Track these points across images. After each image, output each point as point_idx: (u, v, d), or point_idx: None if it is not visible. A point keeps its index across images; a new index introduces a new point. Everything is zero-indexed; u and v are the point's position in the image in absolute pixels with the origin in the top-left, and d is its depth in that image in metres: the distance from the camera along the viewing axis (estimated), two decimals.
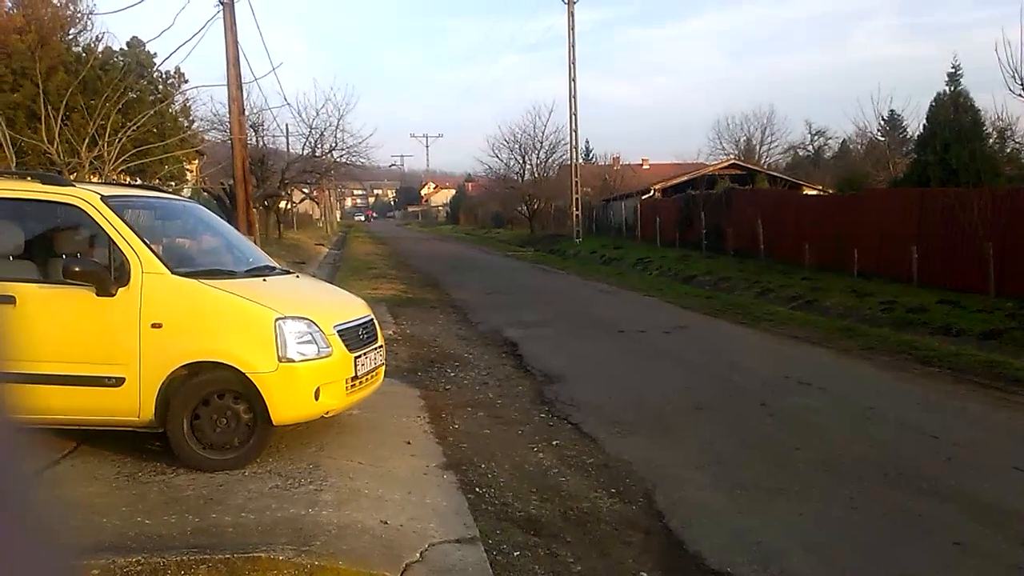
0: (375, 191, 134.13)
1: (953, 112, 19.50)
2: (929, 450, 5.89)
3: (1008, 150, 23.49)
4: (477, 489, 5.10)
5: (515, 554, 4.16)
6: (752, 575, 3.90)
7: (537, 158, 43.98)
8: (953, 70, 20.42)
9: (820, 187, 30.40)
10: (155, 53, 19.23)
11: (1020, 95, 13.60)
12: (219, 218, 7.48)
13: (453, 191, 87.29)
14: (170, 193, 8.33)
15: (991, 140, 21.57)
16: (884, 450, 5.89)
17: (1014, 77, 13.56)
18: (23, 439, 0.78)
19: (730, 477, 5.34)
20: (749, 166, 36.31)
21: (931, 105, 20.35)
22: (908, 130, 32.73)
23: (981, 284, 13.00)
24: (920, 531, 4.43)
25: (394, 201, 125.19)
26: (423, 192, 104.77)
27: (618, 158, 54.13)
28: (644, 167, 53.64)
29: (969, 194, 14.51)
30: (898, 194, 18.40)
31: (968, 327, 11.32)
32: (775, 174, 34.46)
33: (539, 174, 43.89)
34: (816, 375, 8.49)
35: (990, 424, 6.72)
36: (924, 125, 20.88)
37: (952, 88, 20.13)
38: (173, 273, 4.98)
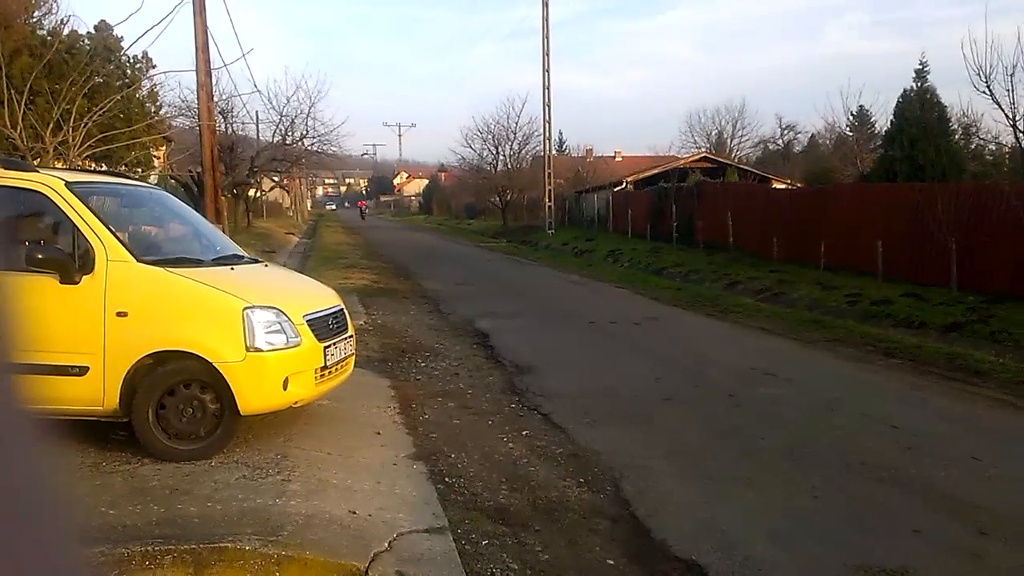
0: (347, 180, 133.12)
1: (920, 109, 19.84)
2: (891, 440, 6.01)
3: (973, 147, 23.92)
4: (447, 479, 5.11)
5: (483, 543, 4.18)
6: (717, 563, 3.96)
7: (510, 149, 43.92)
8: (920, 67, 20.79)
9: (789, 181, 30.74)
10: (122, 37, 18.91)
11: (985, 92, 13.86)
12: (186, 206, 7.39)
13: (426, 181, 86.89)
14: (136, 180, 8.19)
15: (956, 137, 21.95)
16: (847, 440, 6.00)
17: (979, 75, 13.80)
18: (36, 429, 0.78)
19: (697, 466, 5.41)
20: (720, 159, 36.58)
21: (898, 101, 20.70)
22: (876, 126, 33.17)
23: (944, 278, 13.25)
24: (881, 519, 4.53)
25: (366, 191, 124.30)
26: (396, 182, 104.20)
27: (591, 150, 54.31)
28: (617, 159, 53.86)
29: (934, 190, 14.77)
30: (865, 189, 18.70)
31: (930, 320, 11.55)
32: (745, 167, 34.74)
33: (512, 165, 43.82)
34: (782, 366, 8.62)
35: (950, 415, 6.87)
36: (891, 121, 21.23)
37: (919, 85, 20.48)
38: (139, 261, 4.92)
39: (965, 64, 13.85)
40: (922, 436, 6.12)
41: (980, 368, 8.65)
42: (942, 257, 13.27)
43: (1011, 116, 13.55)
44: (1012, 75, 13.30)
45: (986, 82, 13.71)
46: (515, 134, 43.40)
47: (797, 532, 4.35)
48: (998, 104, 13.69)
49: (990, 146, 23.07)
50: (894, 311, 12.39)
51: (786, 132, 48.55)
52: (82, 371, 4.72)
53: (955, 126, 21.66)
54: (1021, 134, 13.71)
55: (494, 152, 44.27)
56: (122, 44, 18.52)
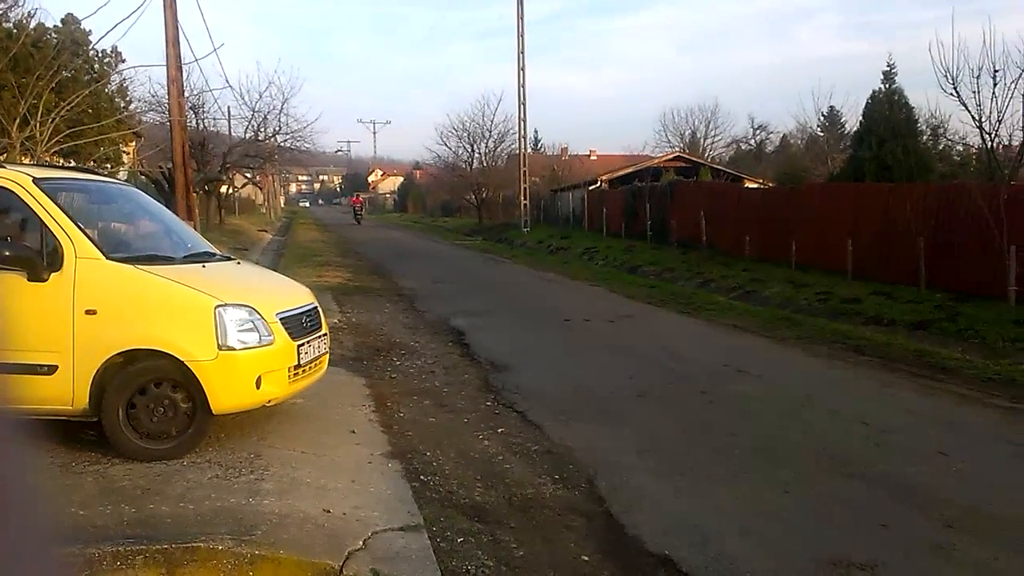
0: (321, 177, 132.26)
1: (888, 110, 20.14)
2: (860, 436, 6.11)
3: (940, 147, 24.35)
4: (422, 477, 5.11)
5: (459, 540, 4.19)
6: (690, 558, 4.00)
7: (486, 147, 43.94)
8: (888, 68, 21.08)
9: (761, 180, 31.06)
10: (91, 31, 18.65)
11: (952, 94, 14.13)
12: (157, 202, 7.30)
13: (401, 178, 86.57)
14: (105, 176, 8.07)
15: (924, 137, 22.34)
16: (817, 436, 6.09)
17: (946, 77, 14.08)
18: (18, 429, 0.77)
19: (670, 463, 5.46)
20: (693, 159, 36.87)
21: (867, 102, 20.99)
22: (846, 126, 33.65)
23: (912, 277, 13.47)
24: (850, 514, 4.60)
25: (340, 188, 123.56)
26: (370, 179, 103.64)
27: (566, 148, 54.41)
28: (592, 158, 54.04)
29: (902, 190, 15.01)
30: (835, 189, 18.93)
31: (899, 318, 11.74)
32: (718, 167, 35.06)
33: (488, 163, 43.83)
34: (754, 363, 8.72)
35: (918, 411, 6.99)
36: (861, 122, 21.52)
37: (887, 86, 20.78)
38: (108, 258, 4.85)
39: (933, 66, 14.14)
40: (891, 432, 6.22)
41: (947, 365, 8.81)
42: (910, 256, 13.48)
43: (977, 117, 13.85)
44: (978, 77, 13.60)
45: (953, 84, 14.00)
46: (490, 132, 43.48)
47: (768, 527, 4.40)
48: (965, 106, 13.98)
49: (957, 147, 23.54)
50: (864, 309, 12.58)
51: (758, 132, 49.18)
52: (51, 370, 4.65)
53: (923, 127, 22.06)
54: (987, 135, 14.00)
55: (469, 150, 44.29)
56: (90, 38, 18.31)
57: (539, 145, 56.27)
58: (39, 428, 4.87)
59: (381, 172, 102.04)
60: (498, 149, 44.30)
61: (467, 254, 26.10)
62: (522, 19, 33.08)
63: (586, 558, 4.05)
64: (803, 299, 13.95)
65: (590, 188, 33.54)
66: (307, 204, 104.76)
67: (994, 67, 13.48)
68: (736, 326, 11.52)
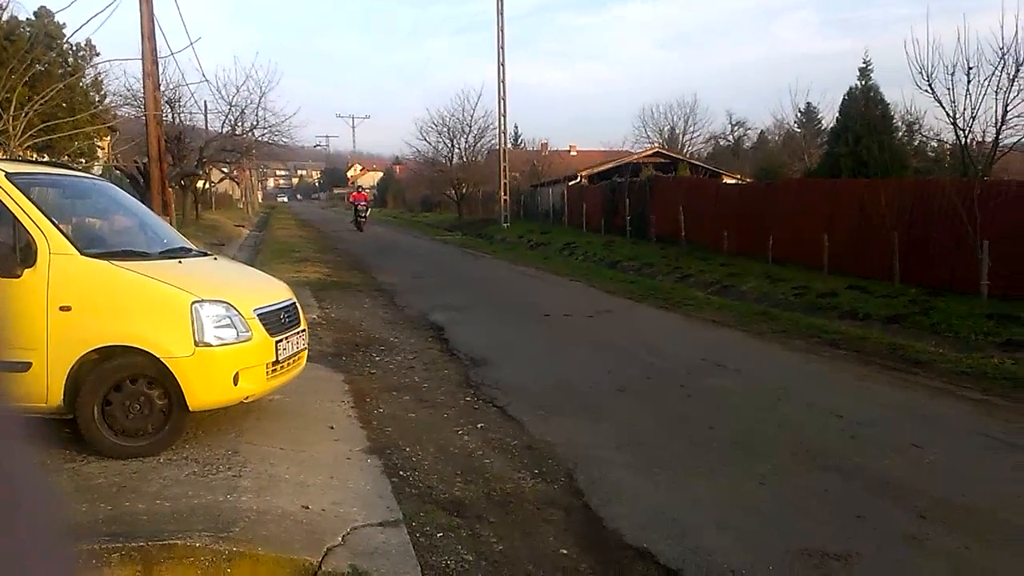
0: (299, 172, 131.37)
1: (864, 106, 20.35)
2: (835, 429, 6.18)
3: (915, 143, 24.63)
4: (401, 472, 5.10)
5: (438, 535, 4.19)
6: (667, 550, 4.03)
7: (466, 142, 43.81)
8: (864, 65, 21.30)
9: (739, 176, 31.28)
10: (65, 24, 18.38)
11: (927, 91, 14.30)
12: (132, 198, 7.22)
13: (380, 173, 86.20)
14: (80, 171, 7.97)
15: (899, 133, 22.59)
16: (793, 429, 6.16)
17: (921, 74, 14.25)
18: (21, 426, 0.77)
19: (649, 456, 5.50)
20: (672, 154, 37.06)
21: (844, 99, 21.23)
22: (823, 122, 33.98)
23: (887, 272, 13.64)
24: (825, 506, 4.66)
25: (319, 182, 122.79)
26: (350, 174, 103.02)
27: (546, 144, 54.50)
28: (572, 153, 54.11)
29: (877, 185, 15.18)
30: (811, 184, 19.11)
31: (874, 312, 11.88)
32: (697, 163, 35.27)
33: (468, 158, 43.72)
34: (732, 357, 8.79)
35: (892, 403, 7.08)
36: (837, 118, 21.77)
37: (864, 83, 21.01)
38: (82, 254, 4.80)
39: (908, 63, 14.30)
40: (865, 424, 6.30)
41: (921, 358, 8.93)
42: (885, 251, 13.65)
43: (951, 114, 14.04)
44: (952, 74, 13.78)
45: (928, 81, 14.18)
46: (470, 127, 43.35)
47: (745, 519, 4.45)
48: (939, 102, 14.17)
49: (932, 143, 23.79)
50: (839, 303, 12.71)
51: (736, 128, 49.54)
52: (25, 367, 4.59)
53: (899, 123, 22.32)
54: (961, 131, 14.20)
55: (449, 145, 44.17)
56: (64, 31, 18.01)
57: (519, 140, 56.37)
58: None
59: (360, 167, 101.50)
60: (478, 144, 44.24)
61: (447, 249, 26.05)
62: (501, 14, 33.05)
63: (565, 552, 4.07)
64: (780, 294, 14.07)
65: (570, 184, 33.60)
66: (285, 199, 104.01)
67: (968, 64, 13.68)
68: (714, 321, 11.60)
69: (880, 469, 5.25)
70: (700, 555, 3.99)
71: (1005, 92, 13.39)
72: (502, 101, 33.71)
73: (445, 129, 43.80)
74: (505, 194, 34.12)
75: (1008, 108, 13.44)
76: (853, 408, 6.78)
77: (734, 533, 4.26)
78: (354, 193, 37.91)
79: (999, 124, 13.67)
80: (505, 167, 34.05)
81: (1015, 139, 14.11)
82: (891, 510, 4.60)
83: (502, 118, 34.41)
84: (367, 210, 34.75)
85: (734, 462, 5.39)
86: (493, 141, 40.91)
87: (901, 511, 4.58)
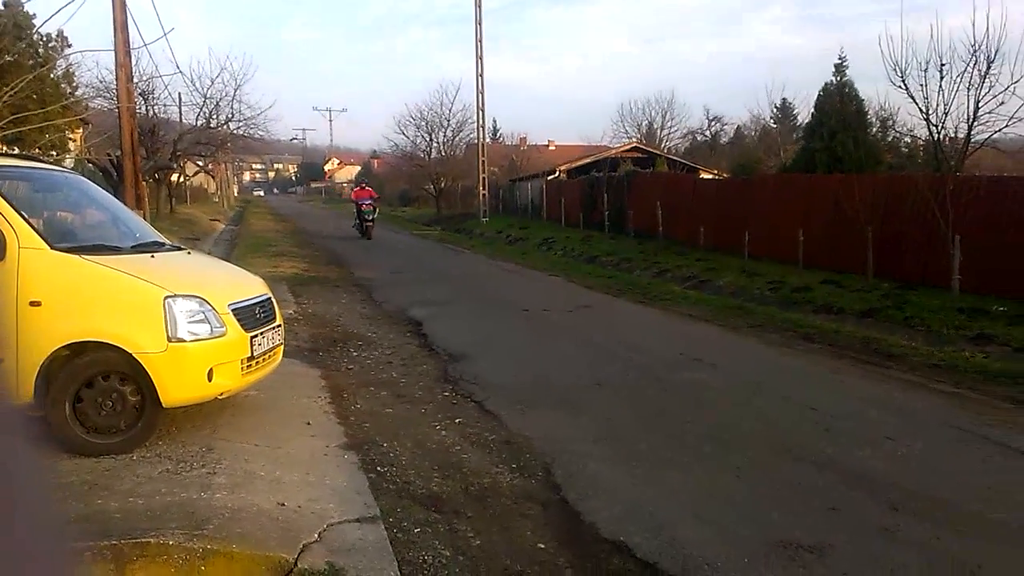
0: (275, 165, 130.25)
1: (839, 102, 20.52)
2: (810, 422, 6.25)
3: (889, 139, 24.90)
4: (379, 468, 5.08)
5: (416, 531, 4.18)
6: (644, 543, 4.05)
7: (444, 136, 43.67)
8: (840, 61, 21.48)
9: (716, 171, 31.49)
10: (34, 14, 18.07)
11: (901, 87, 14.48)
12: (104, 191, 7.11)
13: (358, 168, 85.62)
14: (51, 164, 7.83)
15: (874, 129, 22.81)
16: (769, 422, 6.21)
17: (895, 70, 14.43)
18: (22, 423, 0.76)
19: (626, 450, 5.52)
20: (650, 150, 37.20)
21: (819, 95, 21.38)
22: (799, 118, 34.28)
23: (861, 266, 13.78)
24: (800, 498, 4.71)
25: (295, 176, 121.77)
26: (327, 168, 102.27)
27: (525, 139, 54.52)
28: (551, 148, 54.18)
29: (851, 181, 15.33)
30: (787, 180, 19.24)
31: (848, 306, 12.01)
32: (674, 158, 35.45)
33: (446, 153, 43.59)
34: (708, 352, 8.85)
35: (866, 397, 7.17)
36: (812, 114, 21.94)
37: (839, 79, 21.18)
38: (53, 248, 4.72)
39: (883, 59, 14.46)
40: (839, 418, 6.37)
41: (894, 352, 9.05)
42: (859, 245, 13.79)
43: (925, 110, 14.23)
44: (926, 71, 13.97)
45: (902, 77, 14.36)
46: (449, 121, 43.22)
47: (721, 511, 4.48)
48: (913, 98, 14.36)
49: (905, 139, 24.08)
50: (814, 298, 12.84)
51: (713, 124, 49.84)
52: None
53: (873, 119, 22.53)
54: (934, 127, 14.39)
55: (427, 139, 44.00)
56: (34, 21, 17.69)
57: (498, 135, 56.31)
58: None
59: (338, 161, 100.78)
60: (456, 139, 44.12)
61: (425, 244, 25.96)
62: (480, 7, 32.93)
63: (542, 546, 4.07)
64: (756, 288, 14.18)
65: (548, 178, 33.61)
66: (261, 193, 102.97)
67: (941, 61, 13.87)
68: (691, 315, 11.67)
69: (854, 462, 5.31)
70: (676, 547, 4.01)
71: (977, 88, 13.61)
72: (481, 95, 33.63)
73: (423, 123, 43.67)
74: (484, 189, 34.05)
75: (979, 104, 13.66)
76: (827, 401, 6.86)
77: (710, 526, 4.29)
78: (356, 189, 28.83)
79: (971, 120, 13.89)
80: (484, 162, 33.97)
81: (986, 135, 14.34)
82: (865, 502, 4.65)
83: (480, 112, 34.34)
84: (375, 210, 26.12)
85: (710, 455, 5.43)
86: (472, 135, 40.85)
87: (874, 503, 4.63)
